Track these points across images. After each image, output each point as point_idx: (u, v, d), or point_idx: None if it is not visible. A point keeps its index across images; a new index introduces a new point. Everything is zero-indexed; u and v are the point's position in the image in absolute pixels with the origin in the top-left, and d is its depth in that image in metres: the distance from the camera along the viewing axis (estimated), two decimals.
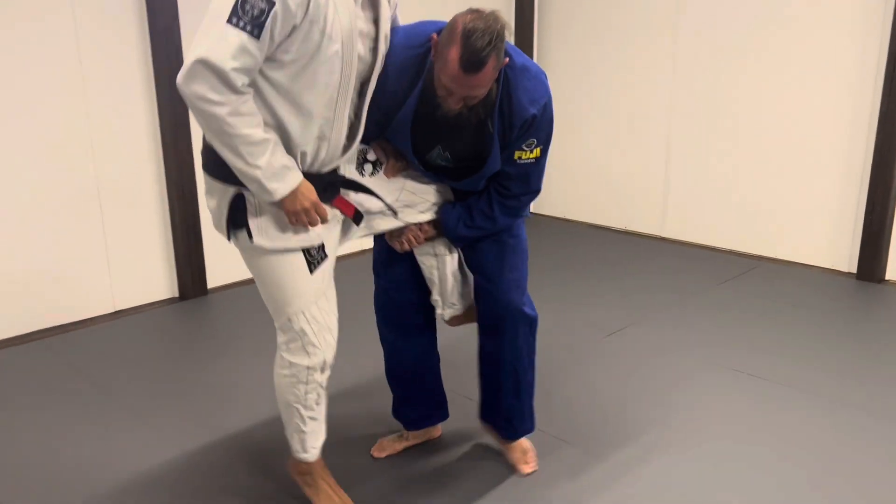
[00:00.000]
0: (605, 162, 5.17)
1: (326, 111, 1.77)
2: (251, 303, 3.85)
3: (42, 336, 3.41)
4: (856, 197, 4.09)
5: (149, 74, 3.61)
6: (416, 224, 2.10)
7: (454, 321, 2.35)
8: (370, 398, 2.79)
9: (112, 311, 3.70)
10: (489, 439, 2.48)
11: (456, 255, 2.24)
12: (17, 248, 3.34)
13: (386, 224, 2.07)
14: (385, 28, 1.84)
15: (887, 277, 4.08)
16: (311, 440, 2.08)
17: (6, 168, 3.25)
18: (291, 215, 1.80)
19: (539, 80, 1.95)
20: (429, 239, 2.15)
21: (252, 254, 1.89)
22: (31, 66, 3.25)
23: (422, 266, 2.24)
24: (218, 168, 1.80)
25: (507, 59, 1.83)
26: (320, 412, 2.05)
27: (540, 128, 1.96)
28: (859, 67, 3.97)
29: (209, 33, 1.60)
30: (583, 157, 5.28)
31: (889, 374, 3.01)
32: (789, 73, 4.22)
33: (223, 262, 3.96)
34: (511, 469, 2.37)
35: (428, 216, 2.11)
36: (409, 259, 2.24)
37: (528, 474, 2.32)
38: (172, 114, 3.64)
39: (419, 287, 2.28)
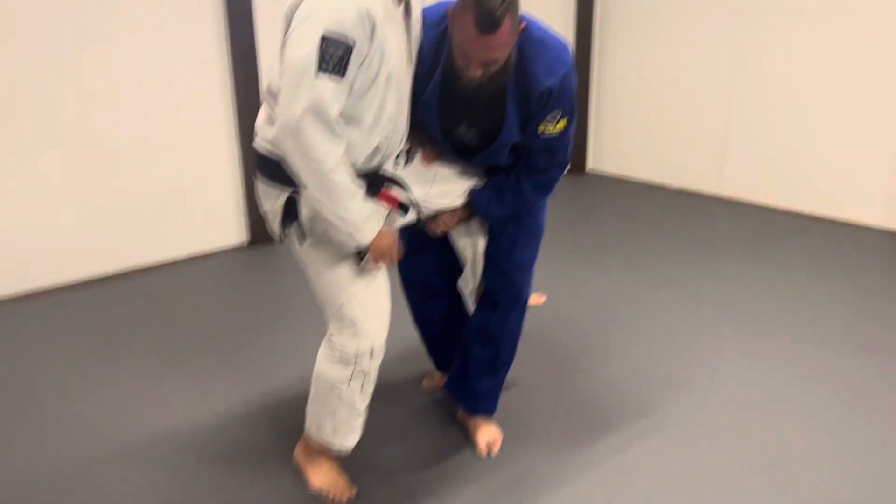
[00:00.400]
0: (662, 119, 5.19)
1: (388, 125, 1.84)
2: None
3: (120, 278, 3.71)
4: None
5: (222, 33, 3.81)
6: (447, 210, 2.12)
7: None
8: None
9: (187, 255, 3.98)
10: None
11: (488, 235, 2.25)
12: (102, 198, 3.63)
13: (412, 217, 2.07)
14: (416, 14, 1.89)
15: None
16: (344, 430, 2.06)
17: (93, 115, 3.52)
18: (377, 256, 1.89)
19: (557, 52, 1.92)
20: (462, 221, 2.18)
21: (306, 250, 1.95)
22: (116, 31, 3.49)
23: (456, 246, 2.30)
24: (272, 174, 1.86)
25: (523, 25, 1.83)
26: (363, 404, 2.04)
27: (561, 99, 1.94)
28: None
29: (302, 87, 1.65)
30: (640, 114, 5.31)
31: None
32: (850, 29, 4.16)
33: None
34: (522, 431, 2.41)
35: (460, 201, 2.12)
36: (434, 242, 2.26)
37: (485, 455, 2.31)
38: (245, 70, 3.85)
39: (440, 263, 2.36)
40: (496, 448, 2.32)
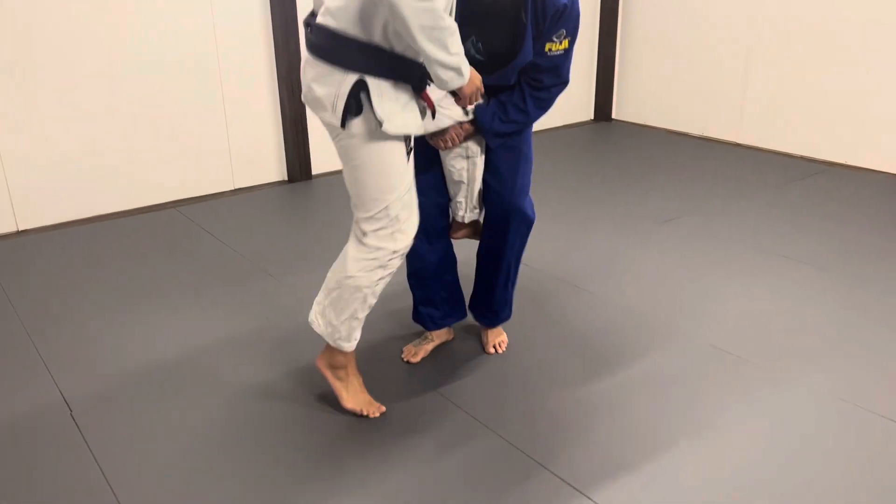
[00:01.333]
0: (682, 67, 5.33)
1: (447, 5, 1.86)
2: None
3: (177, 205, 4.08)
4: None
5: None
6: (458, 123, 2.18)
7: (459, 233, 2.48)
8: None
9: (232, 188, 4.33)
10: None
11: (483, 158, 2.32)
12: (153, 136, 3.99)
13: (432, 123, 2.14)
14: None
15: None
16: (358, 329, 2.15)
17: (150, 74, 3.86)
18: (467, 96, 1.94)
19: None
20: (468, 137, 2.24)
21: (364, 141, 1.91)
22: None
23: (451, 170, 2.32)
24: (342, 54, 1.83)
25: None
26: (373, 303, 2.13)
27: (570, 18, 2.06)
28: None
29: None
30: (663, 64, 5.45)
31: None
32: None
33: (325, 151, 4.52)
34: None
35: (467, 117, 2.18)
36: (437, 163, 2.34)
37: (492, 353, 2.58)
38: (283, 18, 4.13)
39: (443, 192, 2.39)
40: (503, 347, 2.61)
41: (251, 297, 3.04)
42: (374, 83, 1.85)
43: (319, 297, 2.16)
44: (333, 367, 2.23)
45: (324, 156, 4.54)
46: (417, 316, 2.60)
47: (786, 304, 2.91)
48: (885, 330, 2.70)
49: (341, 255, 2.10)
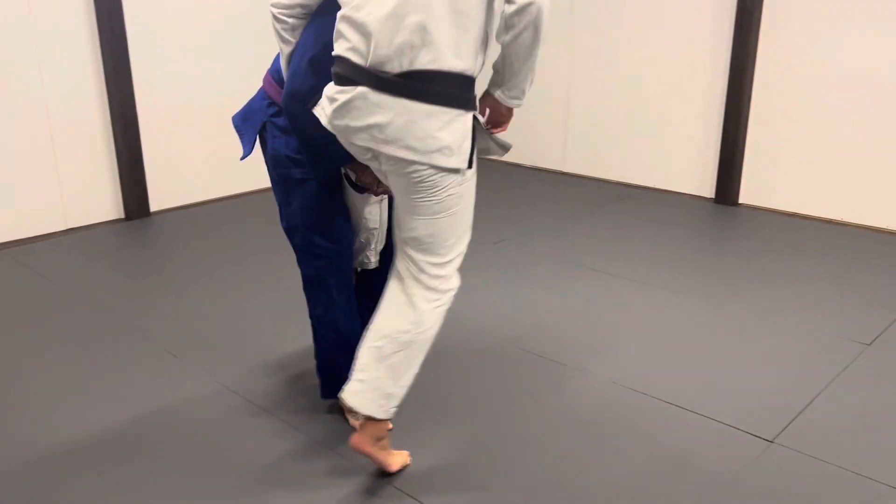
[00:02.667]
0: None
1: None
2: (189, 224, 4.40)
3: (4, 247, 3.91)
4: (715, 131, 4.77)
5: (92, 22, 4.06)
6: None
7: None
8: None
9: (65, 228, 4.21)
10: None
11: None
12: None
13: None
14: None
15: (741, 201, 4.78)
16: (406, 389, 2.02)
17: None
18: (508, 121, 1.92)
19: None
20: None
21: (467, 178, 1.86)
22: None
23: (366, 219, 2.25)
24: (465, 95, 1.78)
25: None
26: None
27: None
28: (717, 20, 4.60)
29: None
30: None
31: (729, 273, 3.71)
32: (665, 34, 4.85)
33: (164, 188, 4.50)
34: None
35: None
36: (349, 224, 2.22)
37: None
38: (114, 55, 4.11)
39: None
40: None
41: (88, 339, 2.99)
42: (477, 123, 1.83)
43: (361, 377, 1.96)
44: (378, 440, 2.03)
45: (162, 192, 4.51)
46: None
47: (594, 309, 3.25)
48: (679, 327, 3.09)
49: (393, 318, 1.94)
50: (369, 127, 1.76)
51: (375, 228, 2.28)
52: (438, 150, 1.76)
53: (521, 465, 2.20)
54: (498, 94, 1.86)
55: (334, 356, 2.29)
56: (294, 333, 2.99)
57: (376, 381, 1.94)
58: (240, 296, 3.36)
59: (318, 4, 1.99)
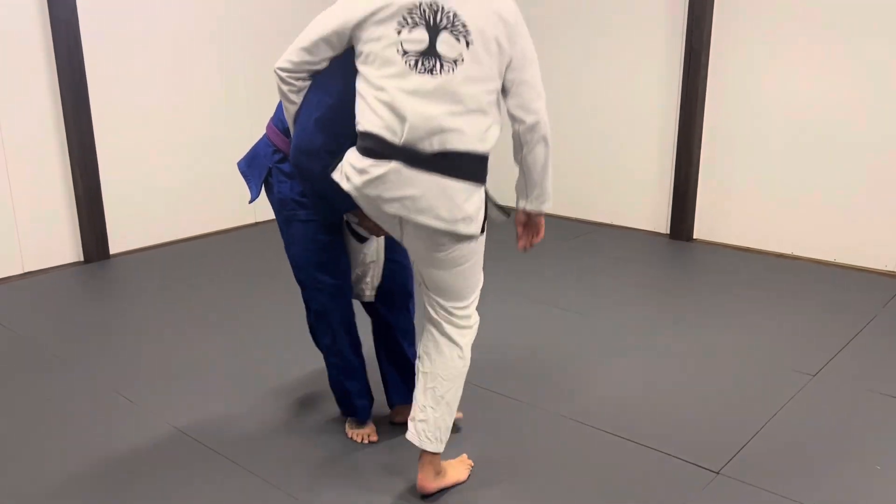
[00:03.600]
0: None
1: None
2: (149, 266, 4.39)
3: None
4: (668, 168, 4.91)
5: (51, 64, 4.09)
6: None
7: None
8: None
9: (21, 272, 4.17)
10: None
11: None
12: None
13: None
14: None
15: (695, 236, 4.90)
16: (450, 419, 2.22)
17: None
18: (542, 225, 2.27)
19: None
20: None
21: (481, 238, 2.11)
22: None
23: (364, 253, 2.39)
24: (479, 174, 2.02)
25: None
26: None
27: None
28: (668, 64, 4.77)
29: (539, 74, 2.06)
30: None
31: (680, 307, 3.80)
32: (618, 74, 5.01)
33: (123, 230, 4.50)
34: None
35: None
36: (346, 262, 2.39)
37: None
38: (73, 97, 4.14)
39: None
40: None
41: (39, 384, 2.97)
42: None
43: (423, 417, 2.17)
44: (439, 473, 2.24)
45: (122, 234, 4.51)
46: (354, 411, 2.54)
47: (546, 343, 3.31)
48: (629, 360, 3.15)
49: (443, 359, 2.17)
50: (402, 198, 1.97)
51: (373, 262, 2.43)
52: (462, 220, 2.00)
53: (469, 499, 2.22)
54: (528, 206, 2.18)
55: (342, 380, 2.50)
56: (249, 375, 2.99)
57: (438, 419, 2.17)
58: (196, 338, 3.36)
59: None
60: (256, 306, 3.69)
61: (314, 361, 3.02)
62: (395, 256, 2.47)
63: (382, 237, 2.42)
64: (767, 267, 4.37)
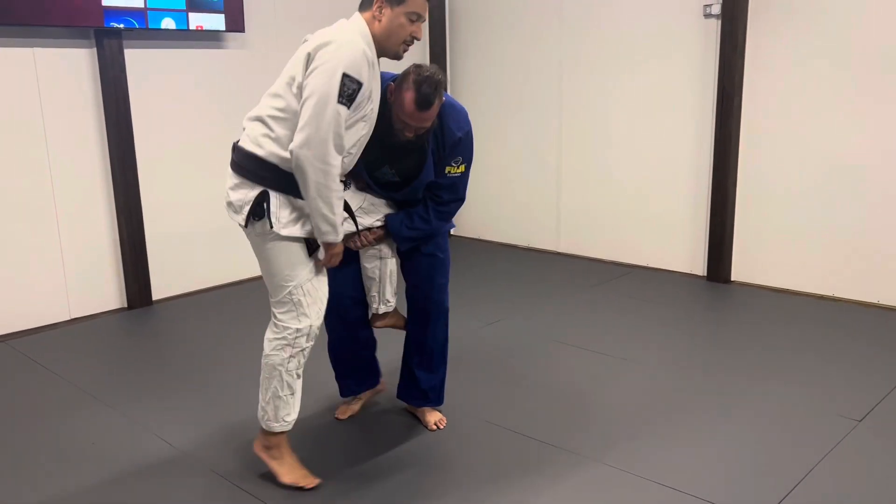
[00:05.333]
0: (508, 190, 5.93)
1: (352, 149, 2.32)
2: (190, 312, 4.48)
3: (7, 339, 3.99)
4: (704, 210, 4.89)
5: (100, 116, 4.27)
6: (368, 228, 2.62)
7: (379, 322, 2.87)
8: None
9: (68, 318, 4.29)
10: None
11: (395, 260, 2.78)
12: None
13: (349, 227, 2.54)
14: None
15: (733, 278, 4.85)
16: (283, 409, 2.46)
17: None
18: (332, 255, 2.35)
19: (463, 114, 2.61)
20: (377, 240, 2.66)
21: (265, 239, 2.33)
22: None
23: (365, 268, 2.76)
24: (255, 172, 2.28)
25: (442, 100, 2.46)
26: (297, 385, 2.47)
27: (465, 148, 2.59)
28: (700, 109, 4.79)
29: (327, 110, 2.14)
30: (491, 186, 6.03)
31: (720, 350, 3.75)
32: (650, 117, 5.04)
33: (166, 277, 4.61)
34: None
35: (379, 223, 2.64)
36: (352, 263, 2.73)
37: (440, 427, 2.94)
38: (120, 151, 4.30)
39: (357, 287, 2.81)
40: (443, 424, 2.95)
41: (90, 430, 3.03)
42: (275, 195, 2.30)
43: (260, 399, 2.50)
44: (267, 448, 2.54)
45: (164, 281, 4.62)
46: (340, 387, 3.02)
47: (585, 388, 3.28)
48: (670, 405, 3.11)
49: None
50: None
51: (373, 279, 2.78)
52: (227, 203, 2.38)
53: None
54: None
55: (330, 355, 2.96)
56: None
57: (265, 404, 2.49)
58: (238, 383, 3.40)
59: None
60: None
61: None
62: (412, 279, 2.78)
63: (389, 258, 2.76)
64: (808, 309, 4.30)
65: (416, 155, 2.55)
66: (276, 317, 2.42)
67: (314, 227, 2.29)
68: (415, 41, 2.38)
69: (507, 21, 5.69)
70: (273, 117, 2.27)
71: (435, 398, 2.97)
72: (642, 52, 5.01)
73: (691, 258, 5.03)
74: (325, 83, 2.14)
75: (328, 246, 2.34)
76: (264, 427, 2.51)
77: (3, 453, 2.81)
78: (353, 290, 2.81)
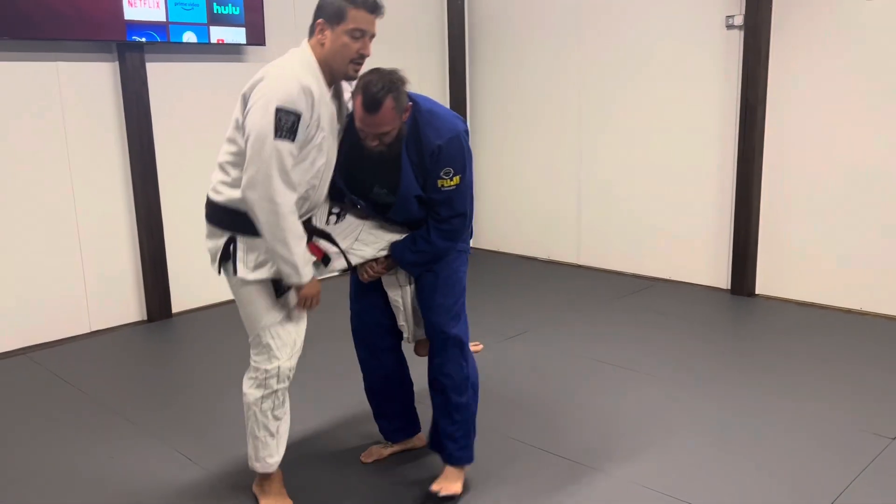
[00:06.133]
0: (528, 202, 5.89)
1: (313, 180, 2.25)
2: (209, 325, 4.48)
3: (28, 351, 4.00)
4: (727, 223, 4.83)
5: (122, 129, 4.29)
6: (373, 259, 2.47)
7: (421, 350, 2.66)
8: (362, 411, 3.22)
9: (89, 330, 4.30)
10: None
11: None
12: (6, 277, 3.96)
13: (341, 263, 2.42)
14: (346, 97, 2.37)
15: (757, 292, 4.77)
16: (263, 450, 2.42)
17: (3, 213, 3.89)
18: (304, 297, 2.27)
19: (447, 120, 2.33)
20: (387, 269, 2.48)
21: (237, 283, 2.31)
22: (19, 129, 3.93)
23: (389, 296, 2.56)
24: (220, 219, 2.29)
25: (411, 105, 2.26)
26: (275, 427, 2.41)
27: (450, 157, 2.30)
28: (723, 120, 4.74)
29: (265, 148, 2.08)
30: (511, 198, 6.00)
31: (745, 366, 3.68)
32: (672, 130, 5.00)
33: (186, 290, 4.61)
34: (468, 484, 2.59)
35: (382, 253, 2.45)
36: (378, 289, 2.57)
37: (437, 495, 2.47)
38: (141, 164, 4.31)
39: (387, 313, 2.60)
40: (444, 493, 2.47)
41: (108, 444, 3.02)
42: (242, 240, 2.27)
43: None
44: (259, 486, 2.55)
45: (184, 294, 4.62)
46: (377, 423, 2.80)
47: (608, 404, 3.23)
48: (696, 423, 3.05)
49: None
50: None
51: (398, 308, 2.58)
52: (208, 250, 2.38)
53: None
54: None
55: (367, 393, 2.77)
56: (311, 435, 2.99)
57: (252, 445, 2.47)
58: None
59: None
60: (319, 364, 3.70)
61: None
62: (424, 313, 2.51)
63: (408, 286, 2.54)
64: (836, 323, 4.22)
65: (397, 168, 2.33)
66: (251, 357, 2.40)
67: (278, 269, 2.24)
68: (364, 59, 2.24)
69: (527, 34, 5.67)
70: (228, 162, 2.27)
71: (455, 451, 2.51)
72: (663, 64, 4.97)
73: (714, 271, 4.96)
74: (259, 120, 2.10)
75: (298, 288, 2.27)
76: (249, 466, 2.49)
77: (21, 466, 2.80)
78: (381, 318, 2.62)
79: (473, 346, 2.73)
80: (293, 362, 2.39)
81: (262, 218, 2.14)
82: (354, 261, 2.45)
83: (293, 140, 2.12)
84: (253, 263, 2.27)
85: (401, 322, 2.59)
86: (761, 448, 2.83)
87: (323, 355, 3.78)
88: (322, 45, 2.21)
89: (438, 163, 2.29)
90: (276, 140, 2.09)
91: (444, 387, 2.48)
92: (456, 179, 2.33)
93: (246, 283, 2.30)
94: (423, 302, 2.48)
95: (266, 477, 2.50)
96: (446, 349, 2.46)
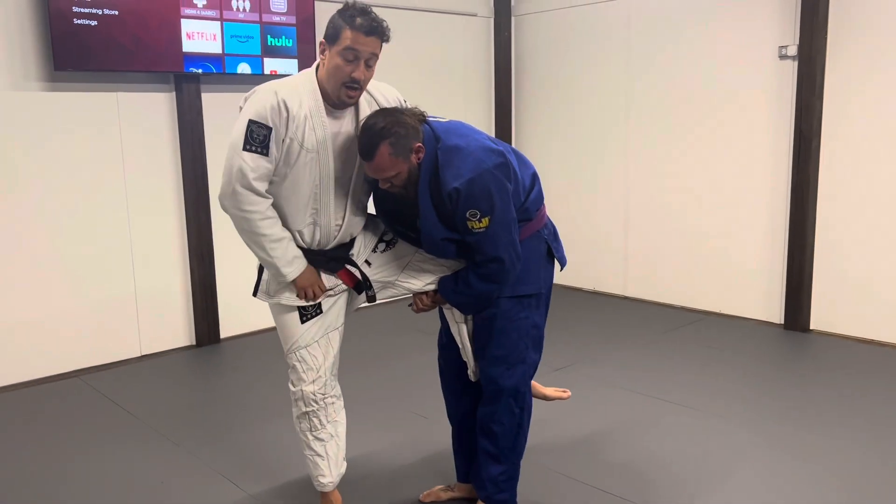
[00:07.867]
0: (574, 232, 5.85)
1: (313, 203, 2.24)
2: (257, 350, 4.51)
3: (81, 374, 4.08)
4: (781, 258, 4.71)
5: (177, 159, 4.39)
6: (422, 291, 2.41)
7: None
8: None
9: (139, 354, 4.37)
10: None
11: (471, 323, 2.43)
12: (62, 301, 4.06)
13: (387, 293, 2.43)
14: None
15: (812, 327, 4.64)
16: (315, 470, 2.47)
17: (61, 238, 4.01)
18: (300, 290, 2.32)
19: (471, 157, 2.13)
20: (435, 304, 2.43)
21: (272, 307, 2.41)
22: (79, 157, 4.05)
23: (451, 332, 2.49)
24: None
25: (420, 146, 2.14)
26: (319, 448, 2.43)
27: (472, 198, 2.12)
28: (776, 151, 4.66)
29: (234, 159, 2.15)
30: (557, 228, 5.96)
31: (800, 403, 3.57)
32: (722, 160, 4.92)
33: (234, 315, 4.67)
34: None
35: (431, 287, 2.40)
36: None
37: None
38: (194, 191, 4.40)
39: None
40: None
41: (156, 468, 3.05)
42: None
43: None
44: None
45: (232, 319, 4.68)
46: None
47: (656, 440, 3.14)
48: (749, 460, 2.95)
49: None
50: None
51: (459, 344, 2.49)
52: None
53: None
54: None
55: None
56: (358, 462, 2.98)
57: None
58: None
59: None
60: (366, 387, 3.70)
61: (426, 448, 2.97)
62: (478, 360, 2.44)
63: (463, 323, 2.43)
64: (892, 360, 4.06)
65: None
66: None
67: (267, 270, 2.35)
68: (357, 83, 2.14)
69: (574, 63, 5.68)
70: None
71: (495, 494, 2.44)
72: (715, 95, 4.92)
73: (767, 305, 4.83)
74: (234, 133, 2.18)
75: (295, 282, 2.33)
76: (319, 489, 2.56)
77: (72, 488, 2.84)
78: (457, 357, 2.54)
79: (560, 393, 2.70)
80: (317, 387, 2.39)
81: (236, 224, 2.23)
82: (399, 291, 2.44)
83: (265, 153, 2.14)
84: (275, 289, 2.35)
85: (464, 358, 2.49)
86: (813, 488, 2.72)
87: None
88: (323, 64, 2.18)
89: (459, 205, 2.14)
90: (244, 151, 2.14)
91: (494, 434, 2.41)
92: (485, 221, 2.15)
93: (274, 306, 2.39)
94: (477, 349, 2.41)
95: (324, 497, 2.55)
96: (499, 400, 2.38)
